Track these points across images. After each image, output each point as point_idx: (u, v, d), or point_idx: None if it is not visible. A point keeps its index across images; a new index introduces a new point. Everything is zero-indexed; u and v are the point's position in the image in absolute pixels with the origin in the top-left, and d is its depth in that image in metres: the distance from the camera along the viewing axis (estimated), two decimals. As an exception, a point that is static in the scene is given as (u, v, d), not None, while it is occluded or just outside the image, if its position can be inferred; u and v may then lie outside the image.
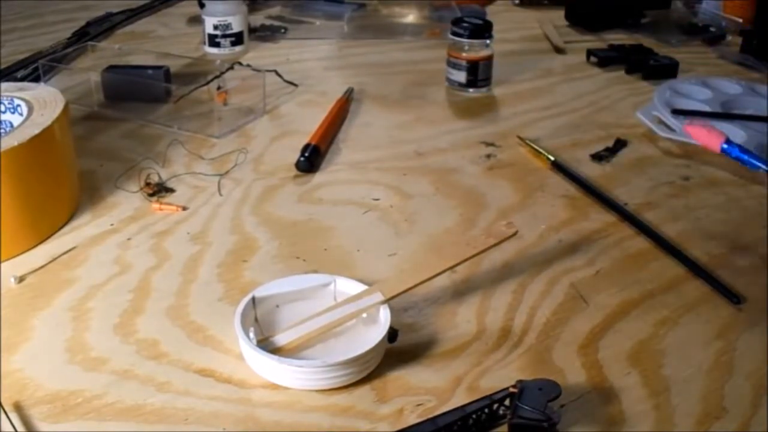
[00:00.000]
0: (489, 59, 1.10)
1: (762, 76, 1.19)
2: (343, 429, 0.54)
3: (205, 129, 0.96)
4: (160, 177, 0.85)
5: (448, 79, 1.12)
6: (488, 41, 1.10)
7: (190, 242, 0.75)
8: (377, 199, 0.83)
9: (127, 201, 0.82)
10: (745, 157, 0.81)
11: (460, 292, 0.69)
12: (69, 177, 0.79)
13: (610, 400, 0.57)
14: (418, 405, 0.56)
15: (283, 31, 1.34)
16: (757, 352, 0.62)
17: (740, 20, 1.38)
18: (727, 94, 1.08)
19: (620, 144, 0.96)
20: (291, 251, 0.74)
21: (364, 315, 0.62)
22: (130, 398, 0.56)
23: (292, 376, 0.57)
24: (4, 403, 0.55)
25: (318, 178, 0.88)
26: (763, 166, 0.80)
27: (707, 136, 0.83)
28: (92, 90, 1.03)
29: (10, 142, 0.69)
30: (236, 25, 1.21)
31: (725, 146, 0.82)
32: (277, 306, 0.64)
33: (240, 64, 1.10)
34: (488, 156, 0.94)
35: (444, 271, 0.65)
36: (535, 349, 0.62)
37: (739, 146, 0.81)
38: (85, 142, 0.93)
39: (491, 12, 1.45)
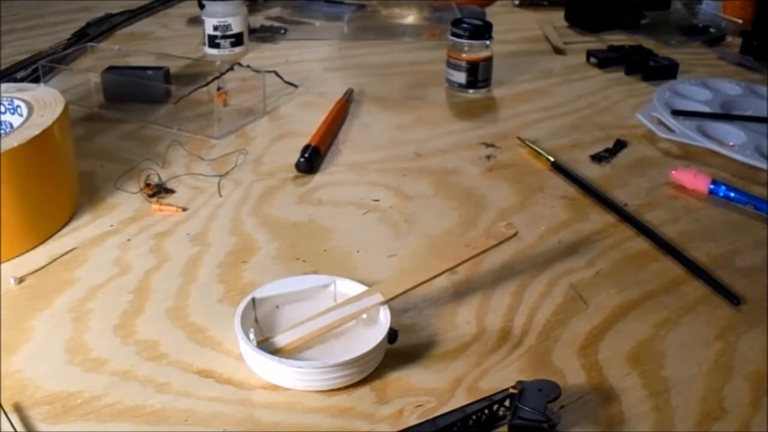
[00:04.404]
0: (489, 60, 1.11)
1: (762, 77, 1.19)
2: (343, 430, 0.54)
3: (205, 130, 0.96)
4: (159, 178, 0.85)
5: (448, 80, 1.12)
6: (488, 42, 1.10)
7: (190, 243, 0.75)
8: (377, 200, 0.83)
9: (126, 202, 0.82)
10: (732, 195, 0.83)
11: (460, 293, 0.69)
12: (69, 178, 0.79)
13: (610, 401, 0.57)
14: (418, 406, 0.56)
15: (282, 32, 1.34)
16: (757, 352, 0.62)
17: (740, 21, 1.38)
18: (727, 95, 1.08)
19: (620, 145, 0.96)
20: (291, 252, 0.74)
21: (364, 316, 0.62)
22: (130, 399, 0.56)
23: (292, 376, 0.57)
24: (4, 404, 0.55)
25: (318, 179, 0.88)
26: (751, 203, 0.81)
27: (694, 180, 0.85)
28: (92, 91, 1.03)
29: (10, 142, 0.69)
30: (236, 26, 1.21)
31: (712, 186, 0.84)
32: (277, 307, 0.64)
33: (240, 65, 1.10)
34: (488, 157, 0.94)
35: (444, 272, 0.65)
36: (535, 350, 0.62)
37: (726, 185, 0.83)
38: (85, 143, 0.93)
39: (491, 13, 1.45)
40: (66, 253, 0.73)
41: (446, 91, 1.13)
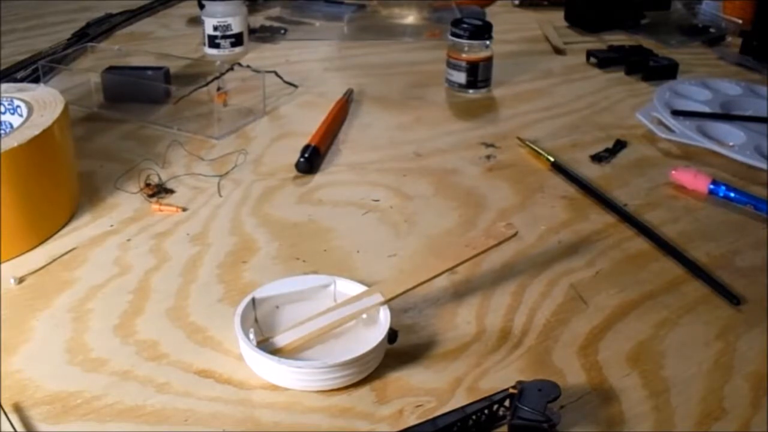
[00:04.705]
0: (489, 60, 1.11)
1: (762, 77, 1.19)
2: (343, 430, 0.54)
3: (205, 130, 0.96)
4: (159, 178, 0.86)
5: (448, 80, 1.12)
6: (488, 42, 1.10)
7: (190, 243, 0.75)
8: (377, 200, 0.83)
9: (126, 202, 0.82)
10: (732, 195, 0.83)
11: (460, 293, 0.69)
12: (69, 178, 0.79)
13: (610, 401, 0.57)
14: (418, 406, 0.56)
15: (282, 32, 1.34)
16: (756, 352, 0.62)
17: (740, 21, 1.38)
18: (727, 95, 1.08)
19: (620, 145, 0.96)
20: (291, 252, 0.74)
21: (364, 316, 0.62)
22: (129, 399, 0.56)
23: (292, 376, 0.57)
24: (3, 404, 0.55)
25: (318, 179, 0.88)
26: (751, 203, 0.81)
27: (694, 180, 0.85)
28: (92, 91, 1.03)
29: (10, 143, 0.69)
30: (236, 26, 1.21)
31: (712, 186, 0.84)
32: (277, 307, 0.64)
33: (240, 65, 1.10)
34: (488, 157, 0.94)
35: (444, 272, 0.65)
36: (535, 350, 0.62)
37: (726, 185, 0.84)
38: (85, 143, 0.93)
39: (491, 13, 1.45)
40: (66, 253, 0.73)
41: (446, 91, 1.13)
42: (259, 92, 1.04)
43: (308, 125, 0.96)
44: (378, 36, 1.35)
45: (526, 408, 0.51)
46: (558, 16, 1.44)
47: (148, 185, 0.84)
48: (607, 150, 0.95)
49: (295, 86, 1.12)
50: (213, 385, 0.58)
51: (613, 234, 0.78)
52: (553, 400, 0.53)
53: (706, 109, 1.03)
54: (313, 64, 1.22)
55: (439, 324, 0.65)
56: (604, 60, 1.22)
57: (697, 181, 0.85)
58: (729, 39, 1.36)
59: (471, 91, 1.11)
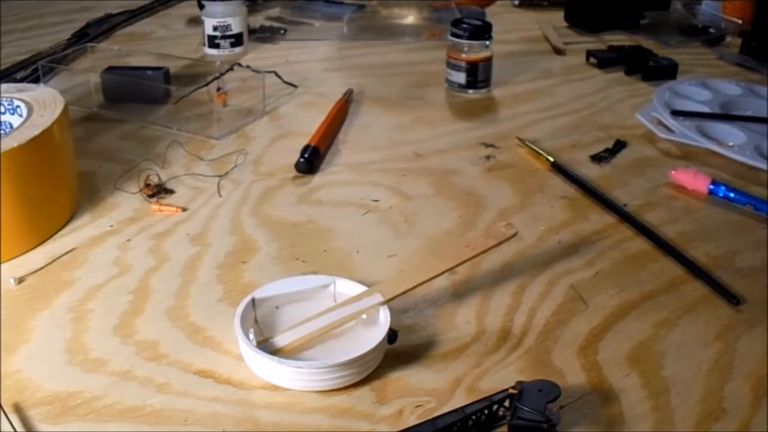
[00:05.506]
0: (488, 60, 1.11)
1: (761, 78, 1.19)
2: (343, 430, 0.54)
3: (205, 130, 0.96)
4: (159, 178, 0.86)
5: (448, 81, 1.12)
6: (488, 42, 1.10)
7: (190, 243, 0.75)
8: (377, 201, 0.83)
9: (126, 202, 0.82)
10: (732, 195, 0.83)
11: (460, 293, 0.69)
12: (68, 178, 0.79)
13: (610, 401, 0.57)
14: (418, 406, 0.56)
15: (282, 32, 1.34)
16: (756, 353, 0.62)
17: (740, 21, 1.38)
18: (727, 95, 1.08)
19: (620, 145, 0.96)
20: (290, 252, 0.74)
21: (364, 316, 0.62)
22: (129, 399, 0.56)
23: (292, 377, 0.57)
24: (3, 404, 0.55)
25: (317, 179, 0.88)
26: (751, 203, 0.81)
27: (693, 180, 0.85)
28: (92, 91, 1.03)
29: (10, 143, 0.69)
30: (236, 26, 1.21)
31: (712, 187, 0.84)
32: (277, 307, 0.64)
33: (239, 65, 1.10)
34: (488, 157, 0.94)
35: (443, 273, 0.65)
36: (535, 350, 0.62)
37: (726, 185, 0.84)
38: (85, 143, 0.93)
39: (491, 13, 1.45)
40: (66, 253, 0.73)
41: (446, 92, 1.13)
42: (259, 92, 1.04)
43: (308, 125, 0.96)
44: (378, 36, 1.35)
45: (526, 408, 0.51)
46: (558, 16, 1.44)
47: (147, 185, 0.84)
48: (606, 150, 0.95)
49: (295, 86, 1.12)
50: (213, 385, 0.58)
51: (613, 234, 0.78)
52: (553, 401, 0.53)
53: (706, 110, 1.03)
54: (313, 64, 1.22)
55: (438, 324, 0.65)
56: (604, 60, 1.22)
57: (696, 181, 0.85)
58: (729, 39, 1.36)
59: (471, 91, 1.11)
